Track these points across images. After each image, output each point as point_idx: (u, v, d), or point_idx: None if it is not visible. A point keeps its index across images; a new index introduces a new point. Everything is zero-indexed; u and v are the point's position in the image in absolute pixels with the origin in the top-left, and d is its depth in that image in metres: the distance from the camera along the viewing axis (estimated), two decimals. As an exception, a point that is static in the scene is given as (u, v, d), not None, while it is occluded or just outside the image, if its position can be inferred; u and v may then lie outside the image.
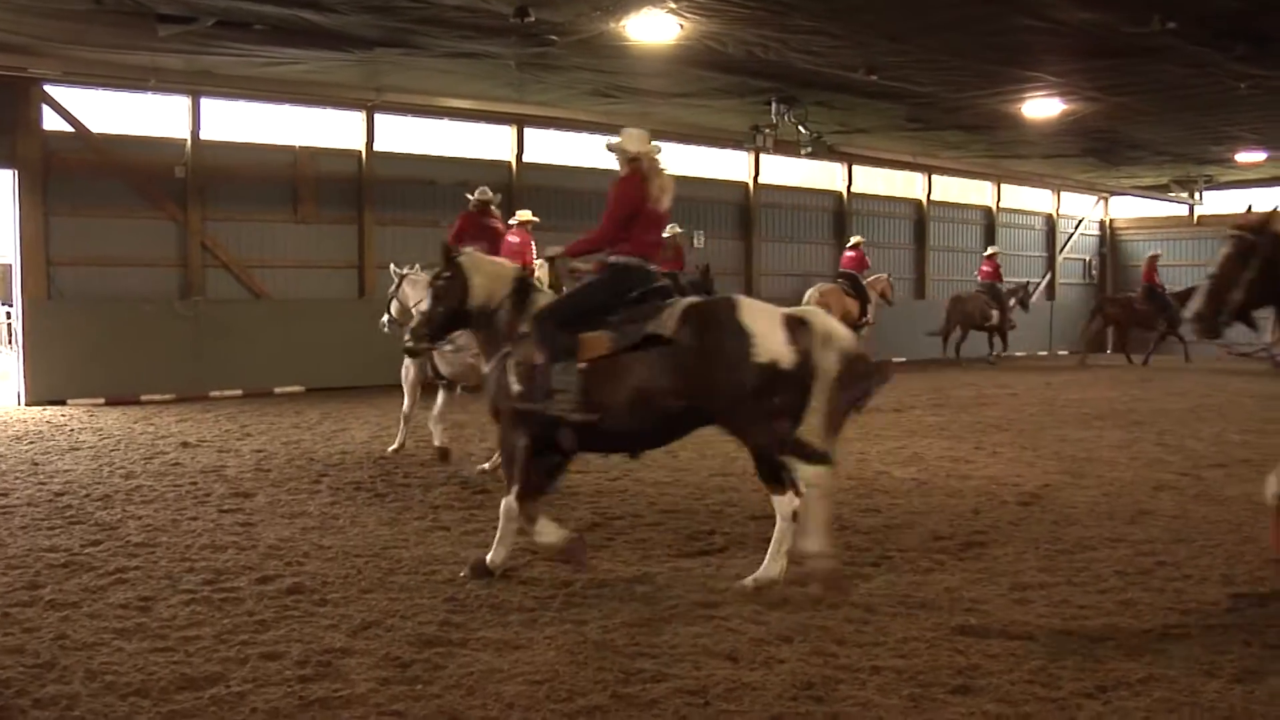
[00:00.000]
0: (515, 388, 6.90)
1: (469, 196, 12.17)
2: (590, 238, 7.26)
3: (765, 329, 6.43)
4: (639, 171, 7.23)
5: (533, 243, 18.67)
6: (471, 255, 7.43)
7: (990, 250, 27.80)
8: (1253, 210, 6.75)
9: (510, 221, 18.82)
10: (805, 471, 6.40)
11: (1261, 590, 6.61)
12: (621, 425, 6.72)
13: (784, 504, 6.58)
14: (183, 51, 15.71)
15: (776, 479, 6.62)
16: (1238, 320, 6.64)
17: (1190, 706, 4.76)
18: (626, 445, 7.04)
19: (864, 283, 23.36)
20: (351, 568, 7.04)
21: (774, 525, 6.92)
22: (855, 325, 22.60)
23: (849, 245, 24.26)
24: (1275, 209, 6.77)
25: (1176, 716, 4.67)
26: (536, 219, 18.81)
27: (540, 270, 19.18)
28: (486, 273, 7.32)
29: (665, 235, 21.90)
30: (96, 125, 17.45)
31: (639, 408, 6.63)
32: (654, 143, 7.37)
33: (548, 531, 6.84)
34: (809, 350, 6.40)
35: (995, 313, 26.49)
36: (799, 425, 6.44)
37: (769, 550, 6.58)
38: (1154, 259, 27.32)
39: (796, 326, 6.46)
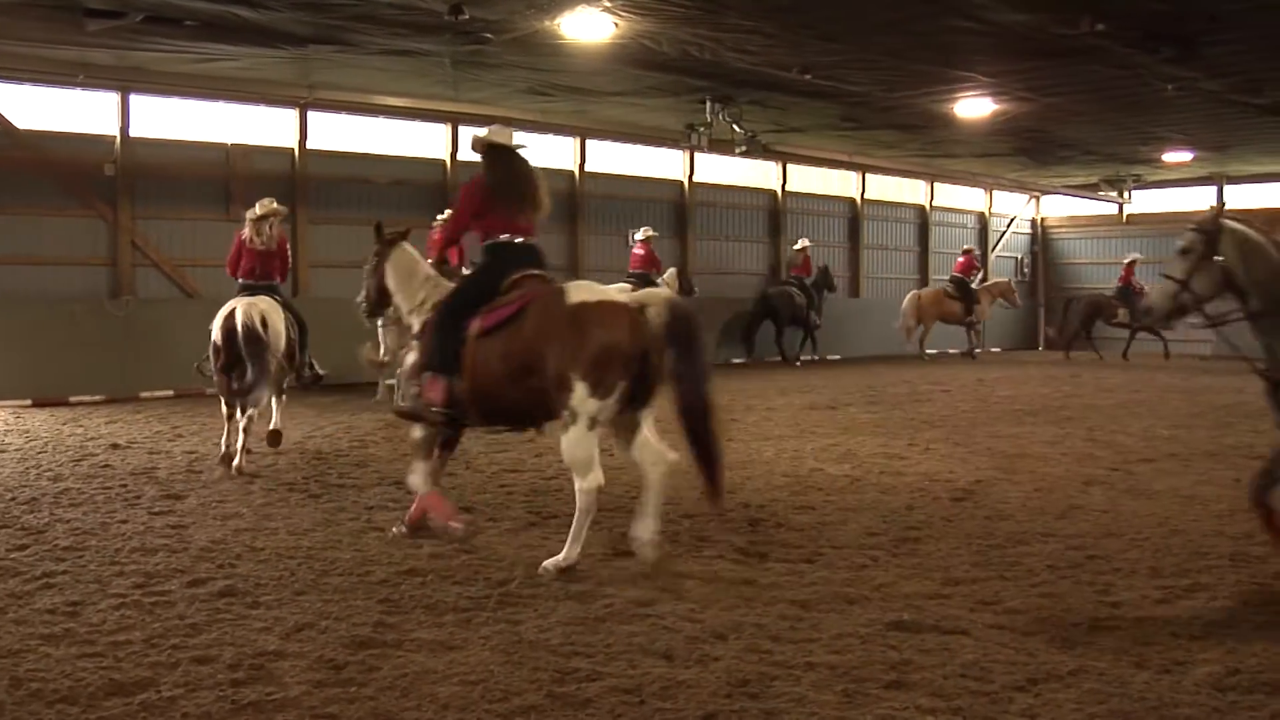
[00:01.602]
0: None
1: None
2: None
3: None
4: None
5: (655, 253, 22.12)
6: None
7: (1131, 258, 28.57)
8: None
9: (636, 236, 22.32)
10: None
11: (1188, 582, 6.72)
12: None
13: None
14: (112, 47, 15.49)
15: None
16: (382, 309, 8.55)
17: (1119, 697, 4.83)
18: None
19: (976, 286, 27.62)
20: (285, 569, 6.97)
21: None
22: (961, 323, 27.71)
23: (961, 251, 28.66)
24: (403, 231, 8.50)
25: (1106, 707, 4.73)
26: (656, 233, 22.09)
27: (669, 278, 21.05)
28: None
29: (796, 248, 26.56)
30: (23, 121, 17.17)
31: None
32: (276, 205, 11.60)
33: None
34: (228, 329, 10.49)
35: (1124, 311, 27.40)
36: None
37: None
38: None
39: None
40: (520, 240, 7.50)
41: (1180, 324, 7.00)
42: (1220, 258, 6.53)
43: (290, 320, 11.40)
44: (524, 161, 7.74)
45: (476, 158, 7.91)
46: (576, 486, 6.96)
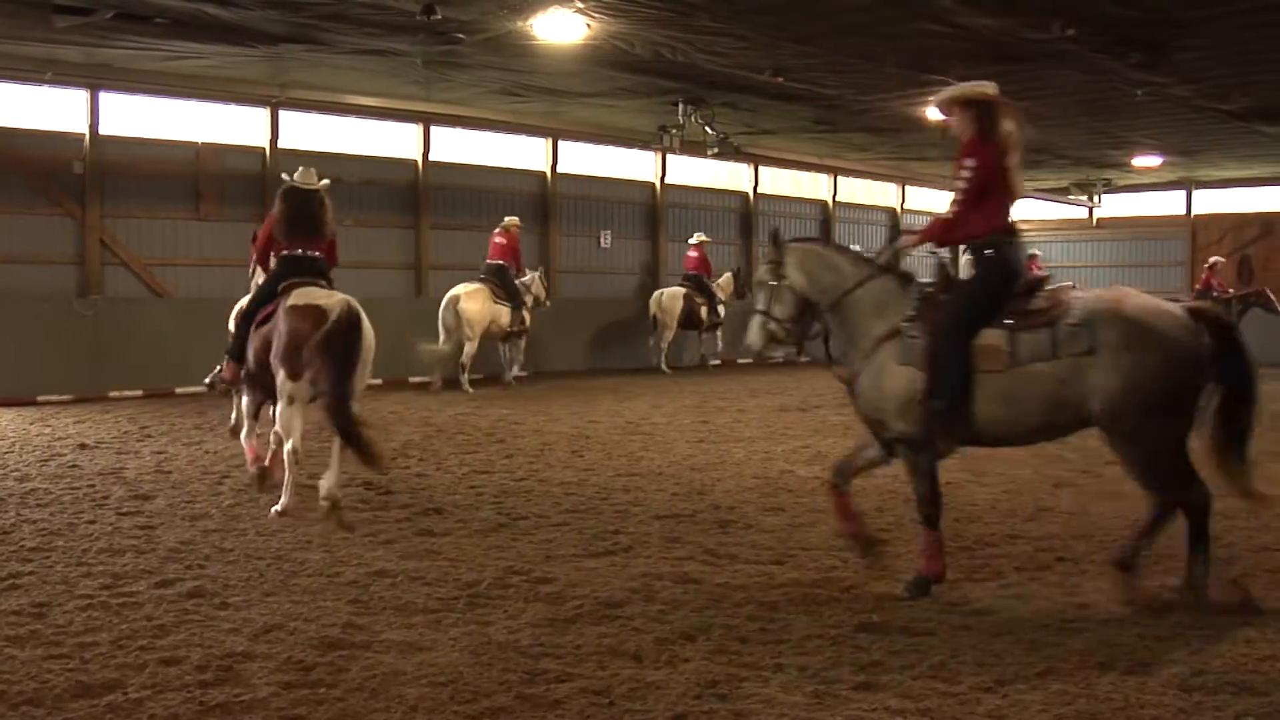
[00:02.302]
0: None
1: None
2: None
3: None
4: None
5: (708, 257, 24.13)
6: None
7: (1213, 260, 28.31)
8: None
9: (691, 240, 24.32)
10: None
11: (1154, 584, 6.76)
12: None
13: None
14: (81, 44, 15.38)
15: None
16: None
17: (1086, 698, 4.86)
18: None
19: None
20: (253, 570, 6.95)
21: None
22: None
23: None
24: None
25: (1073, 709, 4.76)
26: (709, 239, 24.81)
27: (724, 281, 22.06)
28: None
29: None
30: (-10, 119, 17.04)
31: None
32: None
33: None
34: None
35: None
36: None
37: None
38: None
39: None
40: (301, 253, 9.11)
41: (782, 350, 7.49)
42: (787, 280, 7.01)
43: None
44: (309, 199, 9.28)
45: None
46: (284, 448, 8.72)
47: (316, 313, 8.31)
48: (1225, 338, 6.31)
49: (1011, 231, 6.76)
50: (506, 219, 20.01)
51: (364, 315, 8.50)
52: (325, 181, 9.58)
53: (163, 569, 6.95)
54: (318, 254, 9.20)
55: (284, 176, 9.55)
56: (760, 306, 7.10)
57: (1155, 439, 6.18)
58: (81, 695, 4.81)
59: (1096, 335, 6.18)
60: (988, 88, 6.76)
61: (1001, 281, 6.62)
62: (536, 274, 20.46)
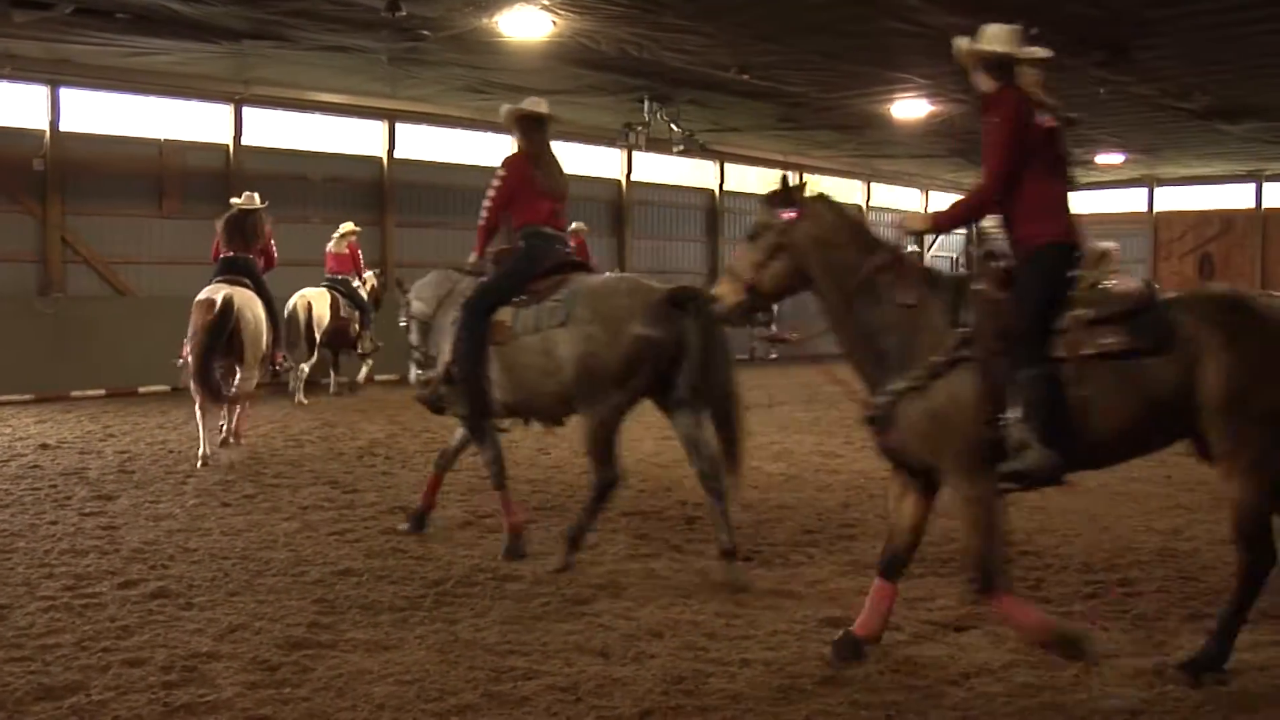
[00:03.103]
0: None
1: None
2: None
3: None
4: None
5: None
6: None
7: None
8: None
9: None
10: None
11: (1117, 577, 6.83)
12: None
13: None
14: (41, 38, 15.24)
15: None
16: None
17: (1050, 690, 4.90)
18: None
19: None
20: (218, 570, 6.91)
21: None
22: None
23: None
24: None
25: (1037, 700, 4.80)
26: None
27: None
28: None
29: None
30: (-52, 115, 16.86)
31: None
32: (354, 226, 15.61)
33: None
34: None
35: None
36: None
37: None
38: None
39: None
40: (233, 255, 11.37)
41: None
42: (411, 312, 8.13)
43: (348, 304, 17.21)
44: (247, 216, 11.67)
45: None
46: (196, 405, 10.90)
47: (208, 304, 10.67)
48: (705, 322, 6.71)
49: (550, 224, 7.55)
50: (574, 224, 19.84)
51: (242, 302, 10.75)
52: (266, 203, 12.11)
53: (126, 569, 6.90)
54: (249, 256, 11.50)
55: (233, 201, 12.11)
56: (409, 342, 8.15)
57: (596, 410, 6.93)
58: (44, 698, 4.77)
59: (569, 311, 6.89)
60: (538, 105, 7.94)
61: (517, 267, 7.41)
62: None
